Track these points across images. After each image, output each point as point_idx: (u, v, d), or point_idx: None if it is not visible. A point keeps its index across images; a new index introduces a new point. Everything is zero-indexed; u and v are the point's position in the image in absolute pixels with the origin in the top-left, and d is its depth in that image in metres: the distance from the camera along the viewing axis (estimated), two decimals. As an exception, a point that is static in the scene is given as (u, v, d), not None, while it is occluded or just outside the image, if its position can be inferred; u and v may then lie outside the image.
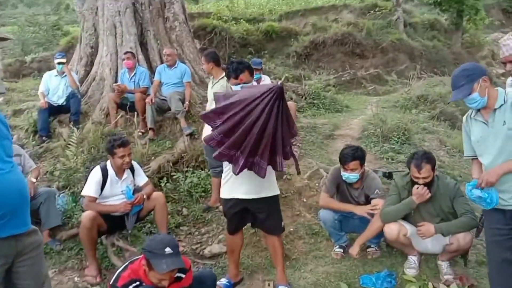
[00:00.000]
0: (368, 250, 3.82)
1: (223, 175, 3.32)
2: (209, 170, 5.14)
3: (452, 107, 9.03)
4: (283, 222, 3.41)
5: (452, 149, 6.66)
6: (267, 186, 3.23)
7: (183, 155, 5.57)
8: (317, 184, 4.89)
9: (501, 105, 2.43)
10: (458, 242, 3.22)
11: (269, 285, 3.48)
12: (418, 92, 9.62)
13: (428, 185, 3.36)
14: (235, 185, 3.20)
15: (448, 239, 3.27)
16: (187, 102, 6.01)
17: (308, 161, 5.34)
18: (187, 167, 5.45)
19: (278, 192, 3.33)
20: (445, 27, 17.16)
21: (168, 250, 2.44)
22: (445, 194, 3.35)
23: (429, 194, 3.27)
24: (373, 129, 6.73)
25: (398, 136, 6.41)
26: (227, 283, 3.48)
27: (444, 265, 3.42)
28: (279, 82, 3.17)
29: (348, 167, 3.60)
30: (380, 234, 3.69)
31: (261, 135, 2.60)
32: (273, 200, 3.29)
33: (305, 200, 4.72)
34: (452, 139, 7.10)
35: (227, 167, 3.24)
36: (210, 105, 4.53)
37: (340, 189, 3.82)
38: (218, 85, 4.64)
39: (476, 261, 3.62)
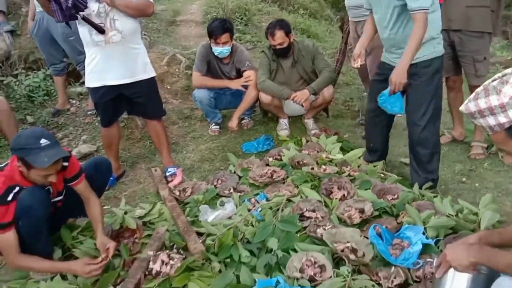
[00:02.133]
0: (242, 122, 4.01)
1: (86, 61, 2.92)
2: (48, 69, 4.43)
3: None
4: (164, 105, 3.26)
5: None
6: (141, 69, 2.99)
7: (8, 56, 4.62)
8: (177, 70, 4.73)
9: None
10: (323, 95, 3.63)
11: (155, 170, 3.40)
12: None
13: (287, 50, 3.59)
14: (104, 71, 2.87)
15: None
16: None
17: (161, 47, 5.04)
18: (16, 70, 4.59)
19: (154, 74, 3.11)
20: None
21: (44, 141, 2.04)
22: (306, 56, 3.65)
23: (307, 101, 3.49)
24: (215, 12, 6.65)
25: (241, 17, 6.51)
26: (111, 178, 3.29)
27: (310, 122, 3.87)
28: None
29: (220, 41, 3.54)
30: (252, 106, 3.91)
31: None
32: (150, 83, 3.07)
33: (169, 87, 4.55)
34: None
35: (90, 51, 2.85)
36: None
37: (211, 66, 3.78)
38: None
39: (333, 115, 4.20)
